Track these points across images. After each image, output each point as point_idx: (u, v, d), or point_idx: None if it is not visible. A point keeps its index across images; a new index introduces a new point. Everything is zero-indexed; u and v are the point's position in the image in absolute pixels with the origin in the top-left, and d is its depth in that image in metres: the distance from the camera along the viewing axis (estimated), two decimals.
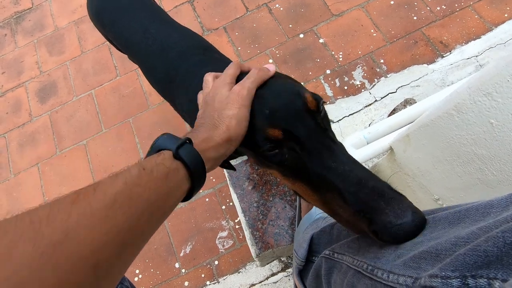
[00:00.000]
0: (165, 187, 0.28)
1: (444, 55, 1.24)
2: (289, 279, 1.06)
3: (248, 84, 0.40)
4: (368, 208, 0.31)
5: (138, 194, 0.25)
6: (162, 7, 1.52)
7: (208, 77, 0.45)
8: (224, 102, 0.39)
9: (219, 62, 0.64)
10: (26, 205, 1.30)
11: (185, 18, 1.49)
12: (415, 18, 1.32)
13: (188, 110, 0.60)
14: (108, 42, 0.95)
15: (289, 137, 0.37)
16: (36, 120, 1.44)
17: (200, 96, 0.46)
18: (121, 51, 0.86)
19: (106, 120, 1.39)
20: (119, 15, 0.73)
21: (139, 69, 1.42)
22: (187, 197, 0.34)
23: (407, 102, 1.04)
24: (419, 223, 0.30)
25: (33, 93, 1.49)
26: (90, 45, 1.53)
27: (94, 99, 1.43)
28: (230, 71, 0.44)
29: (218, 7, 1.49)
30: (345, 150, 0.38)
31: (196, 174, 0.33)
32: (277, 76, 0.44)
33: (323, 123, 0.38)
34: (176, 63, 0.63)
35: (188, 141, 0.33)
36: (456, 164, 0.49)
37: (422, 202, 0.66)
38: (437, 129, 0.49)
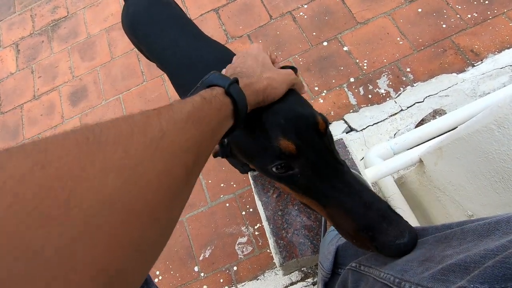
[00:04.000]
0: (219, 117, 0.32)
1: (475, 64, 1.20)
2: None
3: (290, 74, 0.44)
4: (372, 228, 0.35)
5: (202, 116, 0.28)
6: (188, 15, 1.57)
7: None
8: (270, 65, 0.43)
9: None
10: None
11: (210, 26, 1.53)
12: (444, 26, 1.28)
13: None
14: (137, 50, 0.99)
15: (300, 154, 0.38)
16: (67, 122, 1.51)
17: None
18: (151, 61, 0.90)
19: None
20: (152, 30, 0.76)
21: (164, 75, 1.47)
22: (226, 135, 0.37)
23: (437, 113, 1.01)
24: (413, 241, 0.34)
25: (65, 96, 1.57)
26: (120, 51, 1.60)
27: (121, 103, 1.49)
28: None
29: (243, 15, 1.51)
30: (350, 170, 0.41)
31: (241, 113, 0.36)
32: (293, 93, 0.46)
33: (330, 145, 0.41)
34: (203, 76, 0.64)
35: (236, 82, 0.37)
36: (495, 180, 0.47)
37: (453, 218, 0.64)
38: (475, 143, 0.47)
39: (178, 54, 0.71)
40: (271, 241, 0.62)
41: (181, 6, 1.59)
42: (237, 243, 1.16)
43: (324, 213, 0.40)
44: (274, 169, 0.40)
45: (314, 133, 0.39)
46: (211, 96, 0.32)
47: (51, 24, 1.78)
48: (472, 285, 0.22)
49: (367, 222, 0.35)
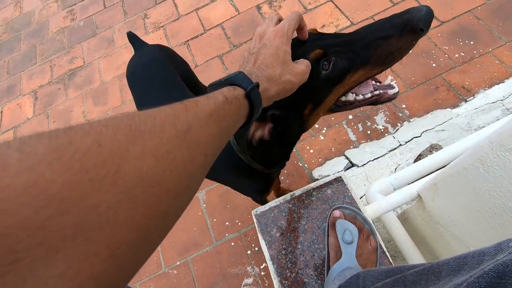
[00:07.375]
0: (236, 117, 0.35)
1: (468, 100, 1.25)
2: None
3: (308, 65, 0.47)
4: (405, 23, 0.42)
5: (222, 115, 0.31)
6: (195, 62, 1.69)
7: (274, 16, 0.49)
8: (289, 64, 0.44)
9: None
10: None
11: (215, 71, 1.64)
12: (434, 65, 1.36)
13: None
14: None
15: (327, 52, 0.48)
16: None
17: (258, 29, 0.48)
18: None
19: None
20: (142, 90, 0.89)
21: None
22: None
23: (433, 148, 1.04)
24: (429, 8, 0.42)
25: None
26: (130, 96, 1.71)
27: None
28: (294, 24, 0.47)
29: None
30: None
31: (254, 115, 0.39)
32: None
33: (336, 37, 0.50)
34: None
35: (257, 87, 0.39)
36: (488, 215, 0.49)
37: (457, 254, 0.64)
38: (464, 181, 0.49)
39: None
40: (275, 281, 0.62)
41: (187, 54, 1.72)
42: (243, 284, 1.13)
43: (370, 67, 0.47)
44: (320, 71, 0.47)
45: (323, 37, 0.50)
46: (233, 97, 0.35)
47: (68, 73, 1.93)
48: None
49: (399, 25, 0.42)
